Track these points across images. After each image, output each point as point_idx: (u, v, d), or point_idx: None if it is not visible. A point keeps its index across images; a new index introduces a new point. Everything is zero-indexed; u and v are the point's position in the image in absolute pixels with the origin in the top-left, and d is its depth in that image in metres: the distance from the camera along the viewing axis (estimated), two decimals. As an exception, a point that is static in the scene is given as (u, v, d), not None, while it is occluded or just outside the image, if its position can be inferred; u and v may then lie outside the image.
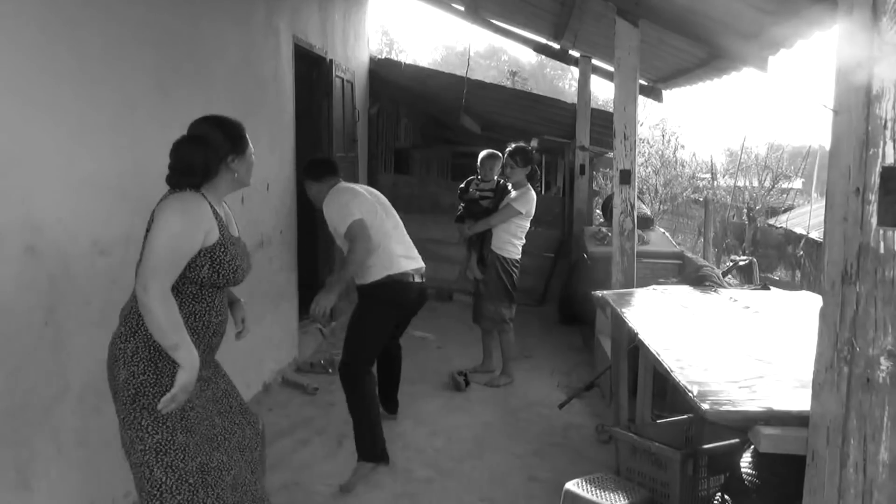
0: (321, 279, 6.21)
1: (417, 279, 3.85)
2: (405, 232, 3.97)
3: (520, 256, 5.19)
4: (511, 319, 5.21)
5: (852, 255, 1.52)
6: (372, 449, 3.68)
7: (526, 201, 5.05)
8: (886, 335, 1.48)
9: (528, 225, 5.18)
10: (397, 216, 3.95)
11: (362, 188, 3.93)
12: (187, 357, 2.15)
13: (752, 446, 2.26)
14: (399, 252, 3.80)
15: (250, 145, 2.42)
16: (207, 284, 2.28)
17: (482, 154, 5.57)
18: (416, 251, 3.96)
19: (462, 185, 5.66)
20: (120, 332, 2.26)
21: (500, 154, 5.31)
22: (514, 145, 5.12)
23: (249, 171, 2.43)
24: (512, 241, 5.10)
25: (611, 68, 5.92)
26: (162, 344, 2.15)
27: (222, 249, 2.27)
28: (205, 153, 2.28)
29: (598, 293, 3.91)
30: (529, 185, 5.11)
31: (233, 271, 2.31)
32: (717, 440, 3.00)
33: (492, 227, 5.10)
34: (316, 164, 3.94)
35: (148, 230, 2.24)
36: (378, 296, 3.74)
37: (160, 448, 2.19)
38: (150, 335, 2.16)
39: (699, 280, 4.34)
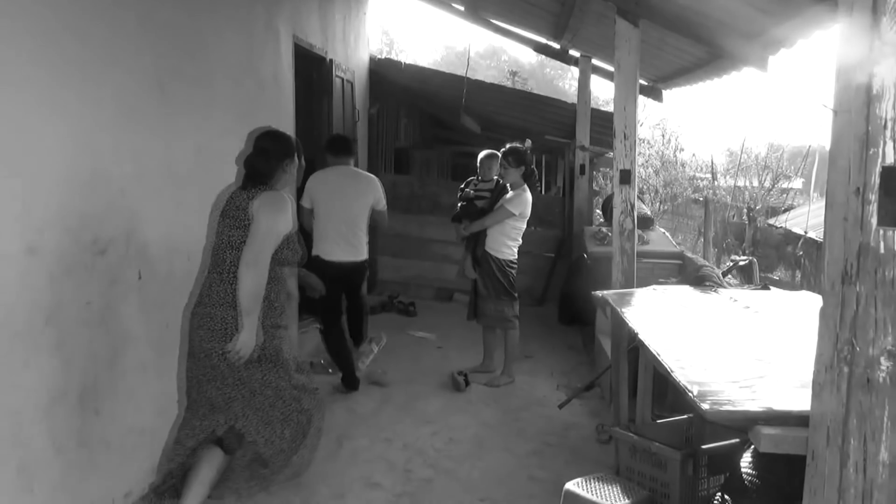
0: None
1: (335, 259, 4.70)
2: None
3: (516, 257, 5.17)
4: (516, 317, 5.20)
5: (852, 255, 1.52)
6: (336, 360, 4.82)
7: (520, 203, 5.02)
8: (886, 335, 1.48)
9: (524, 226, 5.15)
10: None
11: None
12: (254, 322, 2.82)
13: (752, 446, 2.26)
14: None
15: (299, 152, 3.12)
16: (284, 263, 2.96)
17: (481, 154, 5.57)
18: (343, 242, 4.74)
19: (462, 186, 5.67)
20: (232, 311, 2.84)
21: (500, 154, 5.31)
22: (507, 146, 5.12)
23: (299, 172, 3.18)
24: (506, 241, 5.09)
25: (611, 68, 5.92)
26: (242, 306, 2.78)
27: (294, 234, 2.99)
28: (267, 161, 2.98)
29: (598, 293, 3.90)
30: (525, 186, 5.08)
31: (297, 252, 3.02)
32: (717, 440, 3.00)
33: (486, 228, 5.10)
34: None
35: (224, 220, 2.92)
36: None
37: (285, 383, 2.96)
38: (264, 316, 2.85)
39: (699, 280, 4.34)
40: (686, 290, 4.07)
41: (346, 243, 4.74)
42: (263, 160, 2.98)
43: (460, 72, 8.87)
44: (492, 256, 5.09)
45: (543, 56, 8.42)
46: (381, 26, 30.31)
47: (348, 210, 4.74)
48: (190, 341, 2.92)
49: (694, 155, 16.86)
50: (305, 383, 3.02)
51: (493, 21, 7.97)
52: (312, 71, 5.96)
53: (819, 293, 1.68)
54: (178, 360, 3.44)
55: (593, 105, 8.10)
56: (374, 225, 4.98)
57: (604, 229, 6.33)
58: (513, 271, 5.15)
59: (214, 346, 2.83)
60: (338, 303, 4.89)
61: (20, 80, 2.42)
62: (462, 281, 5.98)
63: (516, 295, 5.20)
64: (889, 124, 1.44)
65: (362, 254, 4.84)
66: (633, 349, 3.67)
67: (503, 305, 5.14)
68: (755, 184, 14.79)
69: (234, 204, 2.93)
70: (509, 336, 5.21)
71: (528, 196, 5.07)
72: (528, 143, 5.33)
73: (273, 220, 2.85)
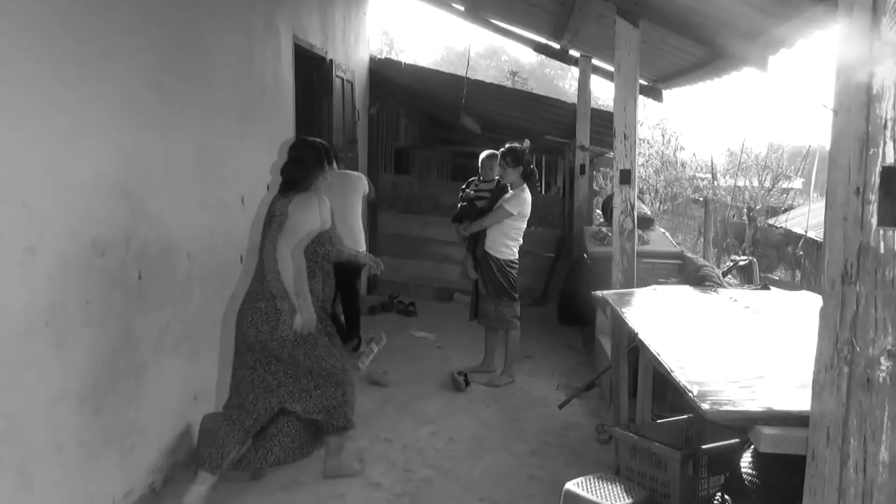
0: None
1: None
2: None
3: (516, 257, 5.17)
4: (517, 317, 5.20)
5: (852, 255, 1.52)
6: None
7: (518, 202, 5.02)
8: (886, 335, 1.48)
9: (524, 226, 5.15)
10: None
11: None
12: (308, 300, 3.21)
13: (752, 446, 2.26)
14: None
15: (330, 157, 3.42)
16: (316, 258, 3.30)
17: (482, 154, 5.58)
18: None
19: (463, 186, 5.68)
20: (278, 302, 3.20)
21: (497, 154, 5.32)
22: (506, 146, 5.12)
23: (332, 176, 3.47)
24: (505, 241, 5.09)
25: (611, 68, 5.92)
26: (290, 290, 3.17)
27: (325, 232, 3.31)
28: (302, 169, 3.31)
29: (598, 293, 3.90)
30: (525, 186, 5.07)
31: (331, 247, 3.35)
32: (717, 440, 3.00)
33: (485, 228, 5.10)
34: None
35: (268, 220, 3.29)
36: None
37: (322, 350, 3.33)
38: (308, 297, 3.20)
39: (699, 280, 4.34)
40: (686, 290, 4.07)
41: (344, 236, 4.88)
42: (299, 168, 3.31)
43: (460, 72, 8.86)
44: (491, 256, 5.09)
45: (543, 56, 8.41)
46: (381, 26, 30.29)
47: (343, 205, 4.99)
48: (243, 335, 3.25)
49: (694, 155, 16.87)
50: (335, 361, 3.38)
51: (493, 21, 7.97)
52: (312, 71, 5.96)
53: (819, 293, 1.68)
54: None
55: (593, 105, 8.09)
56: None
57: (604, 229, 6.33)
58: (513, 271, 5.14)
59: (265, 334, 3.19)
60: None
61: (20, 80, 2.42)
62: (462, 281, 5.99)
63: (517, 295, 5.20)
64: (889, 124, 1.44)
65: (360, 244, 5.19)
66: (633, 349, 3.67)
67: (503, 306, 5.13)
68: (755, 184, 14.79)
69: (275, 209, 3.30)
70: (510, 336, 5.21)
71: (528, 196, 5.07)
72: (527, 142, 5.34)
73: (301, 216, 3.21)
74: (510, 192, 5.09)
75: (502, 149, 5.12)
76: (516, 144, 5.17)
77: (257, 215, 4.52)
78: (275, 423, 3.40)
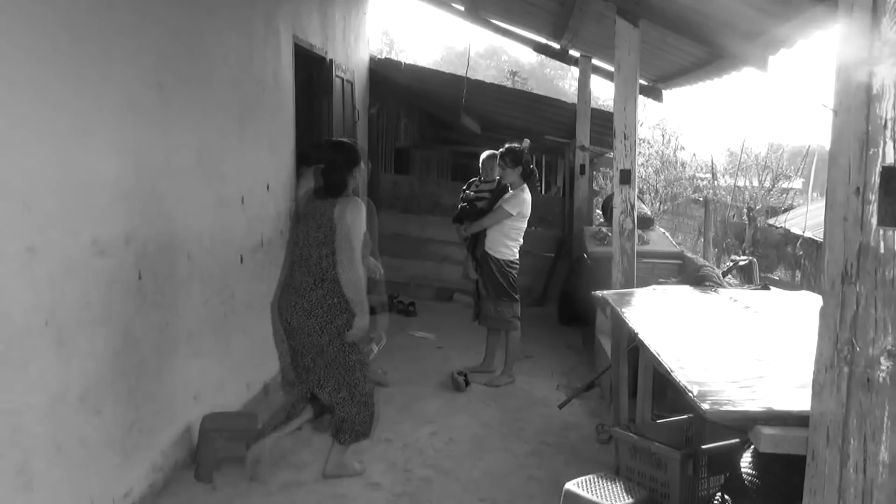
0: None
1: None
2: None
3: (516, 257, 5.16)
4: (517, 318, 5.20)
5: (852, 255, 1.52)
6: None
7: (518, 203, 5.02)
8: (886, 335, 1.48)
9: (524, 226, 5.14)
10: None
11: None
12: (365, 308, 3.41)
13: (752, 446, 2.26)
14: None
15: (363, 158, 3.59)
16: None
17: (483, 155, 5.58)
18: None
19: (464, 187, 5.68)
20: (332, 302, 3.38)
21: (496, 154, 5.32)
22: (505, 146, 5.12)
23: (362, 175, 3.64)
24: (505, 242, 5.09)
25: (611, 68, 5.92)
26: (351, 299, 3.37)
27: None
28: (339, 172, 3.44)
29: (598, 293, 3.90)
30: (525, 186, 5.07)
31: (366, 253, 3.62)
32: (717, 440, 3.00)
33: (485, 229, 5.10)
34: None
35: (309, 223, 3.44)
36: None
37: (359, 361, 3.53)
38: (347, 303, 3.38)
39: (699, 280, 4.34)
40: (686, 290, 4.07)
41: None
42: (336, 172, 3.44)
43: (460, 72, 8.87)
44: (491, 257, 5.09)
45: (543, 56, 8.41)
46: (381, 26, 30.33)
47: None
48: (288, 322, 3.47)
49: (694, 155, 16.87)
50: (364, 379, 3.54)
51: (493, 21, 7.97)
52: (312, 71, 5.95)
53: (819, 293, 1.68)
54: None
55: (593, 105, 8.09)
56: None
57: (604, 229, 6.33)
58: (513, 272, 5.14)
59: (305, 326, 3.40)
60: None
61: (20, 79, 2.42)
62: (463, 281, 5.99)
63: (517, 296, 5.20)
64: (889, 124, 1.44)
65: None
66: (633, 349, 3.67)
67: (503, 306, 5.13)
68: (755, 184, 14.79)
69: (316, 210, 3.44)
70: (510, 337, 5.21)
71: (527, 196, 5.06)
72: (526, 142, 5.36)
73: (355, 222, 3.35)
74: (510, 192, 5.09)
75: (501, 149, 5.13)
76: (515, 145, 5.17)
77: (257, 215, 4.52)
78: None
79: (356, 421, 3.53)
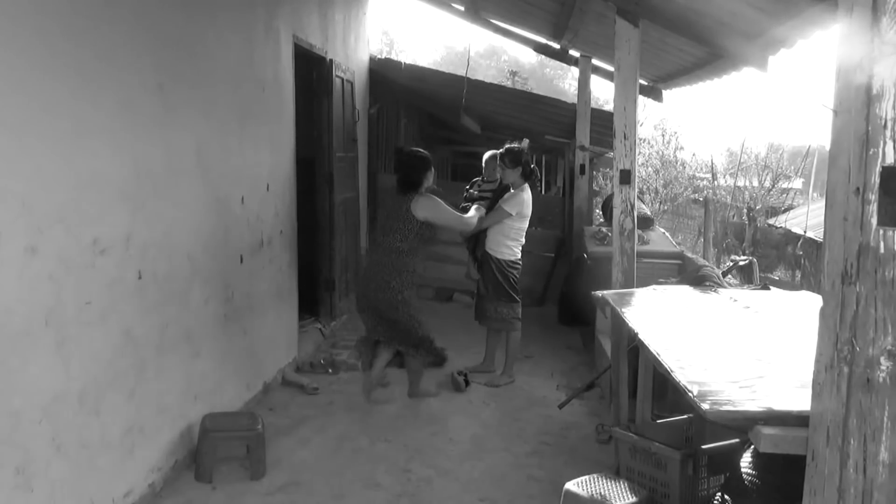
0: (321, 279, 6.23)
1: None
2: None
3: (517, 257, 5.16)
4: (517, 318, 5.20)
5: (852, 255, 1.52)
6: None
7: (517, 203, 5.02)
8: (886, 335, 1.48)
9: (525, 226, 5.15)
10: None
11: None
12: (476, 220, 4.83)
13: (752, 446, 2.26)
14: None
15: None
16: (425, 241, 4.54)
17: (486, 155, 5.60)
18: None
19: (467, 186, 5.69)
20: (395, 282, 4.40)
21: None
22: (504, 147, 5.15)
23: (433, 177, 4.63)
24: (506, 242, 5.09)
25: (611, 68, 5.92)
26: (473, 227, 4.87)
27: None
28: (417, 174, 4.47)
29: (598, 293, 3.90)
30: (526, 185, 5.08)
31: (434, 233, 4.60)
32: (717, 440, 3.00)
33: (486, 228, 5.10)
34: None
35: (390, 214, 4.48)
36: None
37: (415, 317, 4.56)
38: (411, 280, 4.50)
39: (699, 280, 4.33)
40: (686, 290, 4.07)
41: None
42: (414, 173, 4.47)
43: (460, 72, 8.86)
44: (491, 257, 5.09)
45: (543, 56, 8.41)
46: (381, 26, 30.31)
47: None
48: (364, 290, 4.52)
49: (694, 155, 16.87)
50: (419, 325, 4.54)
51: (493, 21, 7.96)
52: (312, 71, 5.95)
53: (819, 293, 1.68)
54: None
55: (593, 105, 8.09)
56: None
57: (604, 229, 6.32)
58: (515, 272, 5.14)
59: (379, 296, 4.40)
60: None
61: (20, 79, 2.42)
62: (464, 281, 5.99)
63: (518, 296, 5.19)
64: (889, 124, 1.44)
65: None
66: (633, 349, 3.67)
67: (502, 306, 5.13)
68: (755, 184, 14.79)
69: (397, 204, 4.45)
70: (510, 337, 5.21)
71: (527, 195, 5.07)
72: (525, 142, 5.39)
73: (433, 211, 4.44)
74: (510, 192, 5.09)
75: (500, 151, 5.14)
76: (515, 145, 5.19)
77: (257, 215, 4.52)
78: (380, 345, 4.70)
79: (422, 353, 4.62)
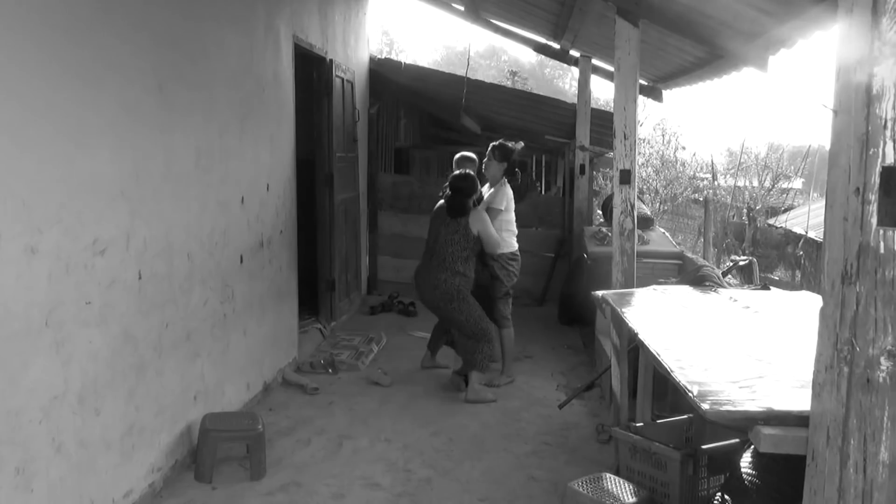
0: (321, 279, 6.23)
1: None
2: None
3: (515, 248, 5.24)
4: (507, 317, 5.26)
5: (852, 255, 1.52)
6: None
7: (502, 196, 5.16)
8: (886, 335, 1.48)
9: (513, 217, 5.26)
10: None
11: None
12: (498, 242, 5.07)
13: (752, 446, 2.26)
14: None
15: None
16: (476, 252, 4.98)
17: (457, 156, 5.73)
18: None
19: (445, 184, 5.76)
20: (448, 276, 4.85)
21: (475, 157, 5.69)
22: (498, 141, 5.30)
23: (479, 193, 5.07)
24: (503, 236, 5.17)
25: (611, 68, 5.92)
26: (499, 250, 5.10)
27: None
28: (467, 197, 4.92)
29: (598, 293, 3.90)
30: (505, 181, 5.21)
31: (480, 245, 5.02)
32: (717, 440, 3.00)
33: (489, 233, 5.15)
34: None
35: (446, 226, 4.91)
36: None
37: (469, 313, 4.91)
38: (467, 276, 4.92)
39: (699, 280, 4.33)
40: (686, 290, 4.06)
41: None
42: (466, 197, 4.91)
43: (460, 72, 8.86)
44: (491, 254, 5.14)
45: (543, 56, 8.41)
46: (381, 26, 30.33)
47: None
48: (421, 293, 5.02)
49: (694, 155, 16.87)
50: (479, 321, 4.90)
51: (493, 21, 7.96)
52: (312, 71, 5.96)
53: (819, 293, 1.68)
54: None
55: (593, 105, 8.09)
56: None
57: (604, 229, 6.33)
58: (515, 265, 5.21)
59: (438, 298, 4.88)
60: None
61: (19, 80, 2.42)
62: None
63: (511, 293, 5.27)
64: (889, 124, 1.44)
65: None
66: (633, 349, 3.67)
67: (501, 304, 5.19)
68: (755, 184, 14.80)
69: (454, 222, 4.89)
70: (504, 335, 5.24)
71: (509, 190, 5.23)
72: (521, 144, 5.49)
73: (482, 226, 4.92)
74: (490, 189, 5.21)
75: (493, 143, 5.27)
76: (510, 143, 5.30)
77: (257, 215, 4.52)
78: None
79: (478, 351, 4.87)
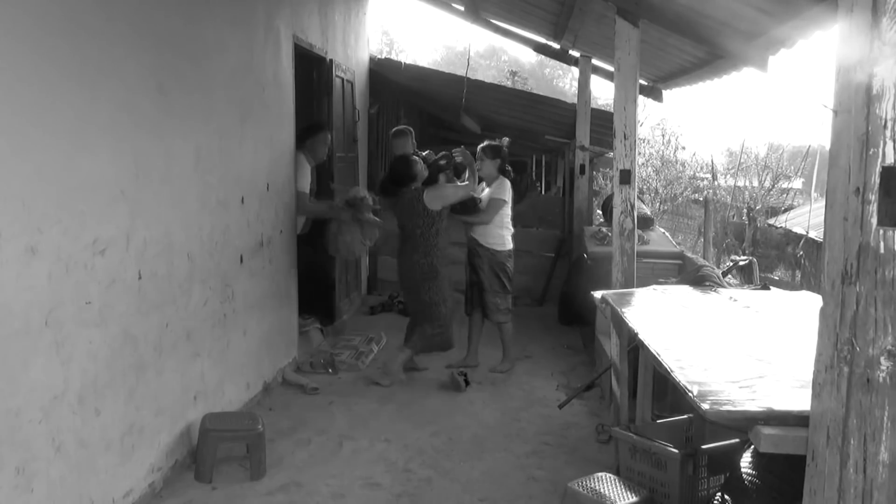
0: (321, 279, 6.21)
1: None
2: None
3: (510, 247, 5.37)
4: (508, 310, 5.40)
5: (852, 255, 1.52)
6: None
7: (503, 189, 5.33)
8: (886, 335, 1.48)
9: (510, 211, 5.41)
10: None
11: None
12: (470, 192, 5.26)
13: (752, 446, 2.26)
14: None
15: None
16: (443, 225, 5.10)
17: (392, 131, 6.25)
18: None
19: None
20: (420, 257, 5.05)
21: (410, 130, 6.28)
22: (485, 142, 5.57)
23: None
24: (498, 231, 5.30)
25: (611, 68, 5.92)
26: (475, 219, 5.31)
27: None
28: (408, 175, 5.16)
29: (598, 293, 3.91)
30: (502, 177, 5.38)
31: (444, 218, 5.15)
32: (717, 440, 3.00)
33: (488, 223, 5.30)
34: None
35: (414, 214, 5.06)
36: None
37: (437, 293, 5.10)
38: (434, 255, 5.07)
39: (699, 280, 4.33)
40: (686, 290, 4.06)
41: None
42: (405, 173, 5.17)
43: (460, 72, 8.86)
44: (487, 249, 5.31)
45: (543, 56, 8.41)
46: (381, 26, 30.30)
47: None
48: (401, 276, 5.22)
49: (694, 155, 16.88)
50: (439, 303, 5.11)
51: (493, 21, 7.96)
52: (312, 71, 5.95)
53: (819, 293, 1.68)
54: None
55: (593, 105, 8.09)
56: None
57: (604, 229, 6.33)
58: (510, 262, 5.36)
59: (418, 278, 5.06)
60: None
61: (19, 80, 2.42)
62: (461, 280, 6.02)
63: (510, 288, 5.41)
64: (889, 124, 1.44)
65: None
66: (633, 349, 3.67)
67: (500, 298, 5.33)
68: (755, 184, 14.79)
69: (406, 198, 5.10)
70: (503, 328, 5.38)
71: (508, 183, 5.41)
72: (507, 140, 5.68)
73: (442, 199, 5.07)
74: (488, 185, 5.37)
75: (481, 145, 5.52)
76: (496, 141, 5.65)
77: (257, 215, 4.52)
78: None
79: (418, 332, 5.12)
